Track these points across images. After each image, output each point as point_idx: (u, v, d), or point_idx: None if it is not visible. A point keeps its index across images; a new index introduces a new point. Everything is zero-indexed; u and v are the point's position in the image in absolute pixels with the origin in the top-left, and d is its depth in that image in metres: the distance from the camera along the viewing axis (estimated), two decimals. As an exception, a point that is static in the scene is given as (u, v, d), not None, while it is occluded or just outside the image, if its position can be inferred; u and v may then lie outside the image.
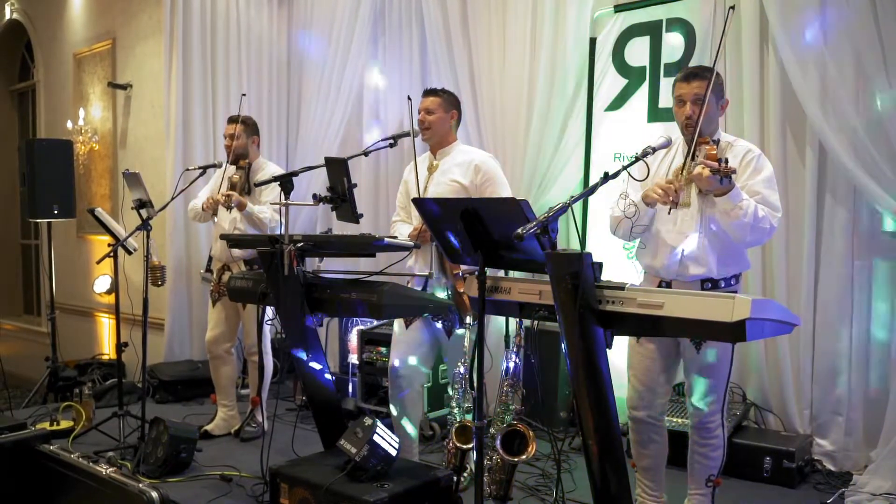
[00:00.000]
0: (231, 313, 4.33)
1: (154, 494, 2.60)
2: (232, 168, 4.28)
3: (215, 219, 4.30)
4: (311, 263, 3.99)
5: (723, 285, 2.78)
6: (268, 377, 4.34)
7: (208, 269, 4.47)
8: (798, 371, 3.85)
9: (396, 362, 3.42)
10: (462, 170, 3.38)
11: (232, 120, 4.35)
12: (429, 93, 3.50)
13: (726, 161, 2.51)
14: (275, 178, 3.14)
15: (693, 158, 2.65)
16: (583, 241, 4.27)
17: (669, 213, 2.72)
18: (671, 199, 2.62)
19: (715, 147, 2.63)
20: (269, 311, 4.04)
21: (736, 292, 2.77)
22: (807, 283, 3.79)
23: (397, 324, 3.44)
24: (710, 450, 2.86)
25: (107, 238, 4.31)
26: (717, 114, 2.80)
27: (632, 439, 2.98)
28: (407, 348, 3.41)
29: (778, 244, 3.85)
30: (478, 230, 2.42)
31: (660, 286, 2.81)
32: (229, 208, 4.09)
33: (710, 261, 2.73)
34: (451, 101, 3.50)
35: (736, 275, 2.82)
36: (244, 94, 4.40)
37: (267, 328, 4.26)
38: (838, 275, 3.73)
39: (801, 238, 3.81)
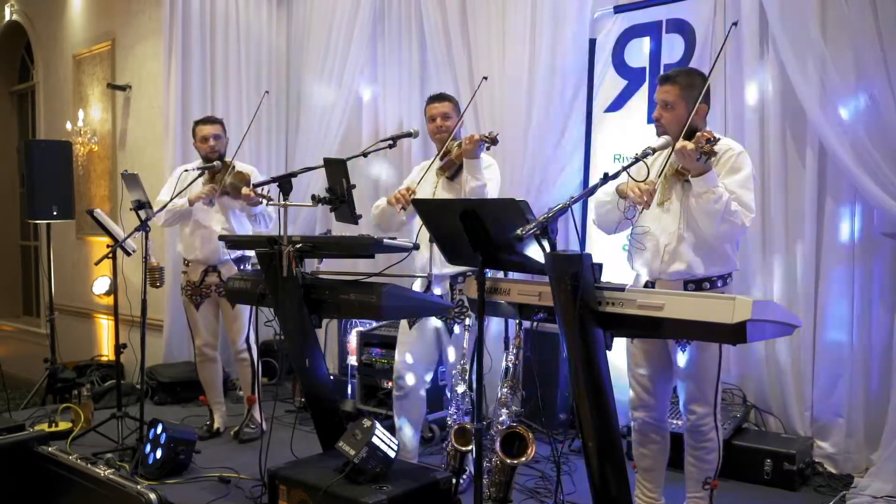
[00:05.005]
0: (216, 313, 4.37)
1: (152, 496, 2.58)
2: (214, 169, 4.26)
3: (199, 218, 4.27)
4: (311, 265, 4.00)
5: (707, 287, 2.76)
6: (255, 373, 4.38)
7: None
8: (798, 373, 3.83)
9: (401, 363, 3.44)
10: None
11: (211, 120, 4.34)
12: (443, 98, 3.50)
13: (714, 143, 2.49)
14: (274, 179, 3.12)
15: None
16: (582, 242, 4.26)
17: (641, 212, 2.74)
18: (645, 199, 2.62)
19: (711, 134, 2.61)
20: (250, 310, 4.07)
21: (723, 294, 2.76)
22: (807, 284, 3.78)
23: (402, 324, 3.45)
24: (704, 453, 2.85)
25: (106, 239, 4.30)
26: (685, 118, 2.72)
27: (633, 440, 2.98)
28: (411, 349, 3.42)
29: (778, 245, 3.84)
30: (477, 231, 2.42)
31: (645, 286, 2.81)
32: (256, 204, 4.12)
33: (689, 257, 2.72)
34: (458, 106, 3.52)
35: (722, 276, 2.80)
36: (267, 92, 4.39)
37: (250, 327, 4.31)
38: (839, 276, 3.72)
39: (801, 239, 3.80)
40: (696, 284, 2.76)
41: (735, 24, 2.81)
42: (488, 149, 3.22)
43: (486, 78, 3.80)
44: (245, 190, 4.05)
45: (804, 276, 3.79)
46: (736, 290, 3.73)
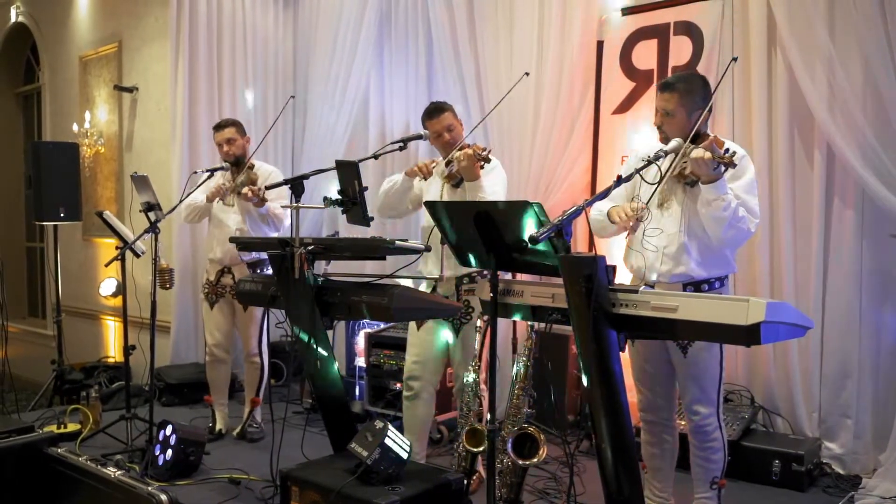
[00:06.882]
0: (229, 315, 4.38)
1: (163, 497, 2.59)
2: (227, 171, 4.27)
3: (218, 216, 4.28)
4: (318, 266, 4.01)
5: (706, 289, 2.77)
6: (265, 377, 4.43)
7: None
8: (806, 374, 3.84)
9: (411, 364, 3.45)
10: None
11: (223, 125, 4.33)
12: (440, 110, 3.46)
13: (733, 154, 2.51)
14: (286, 181, 3.13)
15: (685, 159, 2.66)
16: (591, 244, 4.27)
17: (626, 235, 2.77)
18: (630, 225, 2.67)
19: (723, 143, 2.63)
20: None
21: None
22: (815, 285, 3.79)
23: (411, 326, 3.47)
24: (709, 453, 2.86)
25: (113, 241, 4.30)
26: (686, 124, 2.75)
27: (642, 440, 2.99)
28: (420, 350, 3.44)
29: (786, 247, 3.85)
30: (490, 233, 2.42)
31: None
32: (263, 201, 4.09)
33: (689, 260, 2.74)
34: (454, 111, 3.52)
35: (720, 277, 2.82)
36: (293, 97, 4.39)
37: (263, 330, 4.32)
38: (847, 277, 3.73)
39: (809, 241, 3.81)
40: (695, 286, 2.77)
41: (735, 59, 2.83)
42: (482, 167, 3.24)
43: (528, 74, 3.76)
44: (244, 189, 4.07)
45: (812, 277, 3.80)
46: (743, 292, 3.76)
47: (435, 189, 3.47)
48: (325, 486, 2.72)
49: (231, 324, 4.42)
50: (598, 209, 2.87)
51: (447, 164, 3.36)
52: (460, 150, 3.23)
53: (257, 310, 4.31)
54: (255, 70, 5.91)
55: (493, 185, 3.30)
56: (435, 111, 3.46)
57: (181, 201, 4.10)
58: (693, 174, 2.66)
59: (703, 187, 2.61)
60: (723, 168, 2.53)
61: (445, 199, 3.42)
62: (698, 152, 2.55)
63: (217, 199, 4.18)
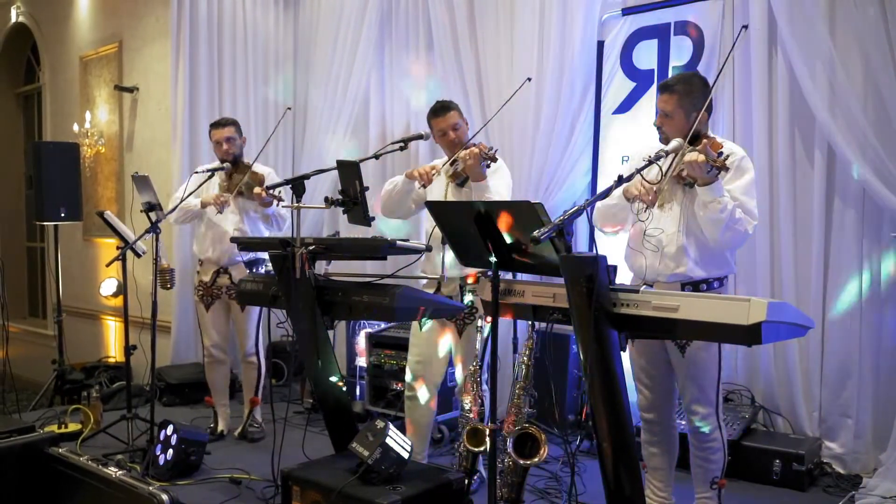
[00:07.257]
0: (226, 315, 4.39)
1: (164, 497, 2.59)
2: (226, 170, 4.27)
3: (212, 218, 4.28)
4: (318, 266, 4.01)
5: (704, 288, 2.78)
6: (262, 377, 4.43)
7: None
8: (807, 373, 3.85)
9: (412, 364, 3.45)
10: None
11: (223, 123, 4.33)
12: (447, 108, 3.45)
13: (726, 157, 2.51)
14: (287, 181, 3.14)
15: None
16: (591, 244, 4.27)
17: (645, 212, 2.76)
18: (650, 198, 2.65)
19: (722, 146, 2.63)
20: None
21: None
22: (816, 285, 3.79)
23: (413, 326, 3.47)
24: (709, 453, 2.86)
25: (114, 241, 4.30)
26: (685, 125, 2.76)
27: (642, 440, 2.99)
28: (422, 350, 3.44)
29: (787, 246, 3.85)
30: (492, 233, 2.43)
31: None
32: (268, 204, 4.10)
33: (688, 260, 2.75)
34: (460, 110, 3.51)
35: (719, 278, 2.82)
36: (289, 108, 4.39)
37: (260, 330, 4.34)
38: (847, 277, 3.73)
39: (809, 240, 3.81)
40: (693, 286, 2.78)
41: (745, 27, 2.81)
42: (489, 166, 3.24)
43: (529, 79, 3.66)
44: (257, 189, 4.07)
45: (812, 276, 3.80)
46: (744, 292, 3.76)
47: (439, 188, 3.47)
48: (326, 486, 2.72)
49: (228, 324, 4.42)
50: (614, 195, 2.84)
51: (452, 163, 3.36)
52: (466, 149, 3.22)
53: (253, 310, 4.32)
54: (255, 70, 5.92)
55: (498, 186, 3.31)
56: (441, 109, 3.46)
57: (182, 201, 4.10)
58: (689, 176, 2.67)
59: (699, 189, 2.62)
60: (716, 171, 2.54)
61: (450, 198, 3.42)
62: (692, 155, 2.55)
63: (213, 207, 4.15)
